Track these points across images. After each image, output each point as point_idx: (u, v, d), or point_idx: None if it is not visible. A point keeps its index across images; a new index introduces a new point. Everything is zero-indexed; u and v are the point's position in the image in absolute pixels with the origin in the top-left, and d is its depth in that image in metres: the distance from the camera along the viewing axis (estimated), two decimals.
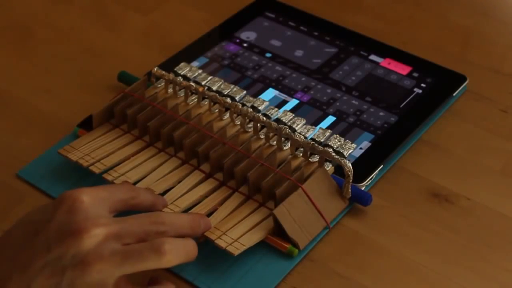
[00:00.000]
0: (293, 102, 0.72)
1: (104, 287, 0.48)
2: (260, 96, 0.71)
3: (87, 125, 0.69)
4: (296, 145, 0.64)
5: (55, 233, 0.49)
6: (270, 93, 0.73)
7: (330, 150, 0.62)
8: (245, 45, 0.79)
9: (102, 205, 0.52)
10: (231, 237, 0.58)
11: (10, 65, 0.79)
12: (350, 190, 0.62)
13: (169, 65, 0.75)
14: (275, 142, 0.65)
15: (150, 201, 0.57)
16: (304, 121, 0.66)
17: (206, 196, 0.62)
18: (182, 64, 0.73)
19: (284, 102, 0.72)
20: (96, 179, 0.64)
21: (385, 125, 0.70)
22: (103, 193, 0.53)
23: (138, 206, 0.56)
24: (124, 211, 0.55)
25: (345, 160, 0.62)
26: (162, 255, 0.50)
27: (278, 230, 0.59)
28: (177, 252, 0.51)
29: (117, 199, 0.53)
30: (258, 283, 0.58)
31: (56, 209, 0.51)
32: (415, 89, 0.73)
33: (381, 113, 0.71)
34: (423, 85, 0.74)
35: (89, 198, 0.51)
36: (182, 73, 0.71)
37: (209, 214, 0.60)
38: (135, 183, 0.62)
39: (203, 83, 0.70)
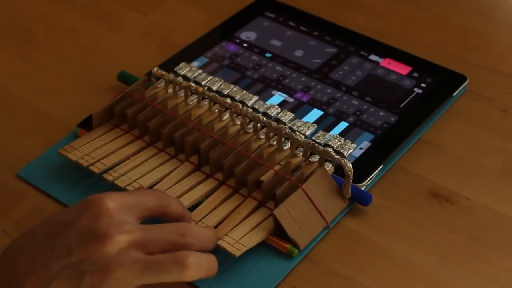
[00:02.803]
0: (293, 102, 0.72)
1: None
2: (267, 102, 0.70)
3: (87, 125, 0.69)
4: (296, 145, 0.64)
5: (77, 236, 0.49)
6: (278, 98, 0.73)
7: (330, 150, 0.62)
8: (245, 45, 0.79)
9: (128, 211, 0.51)
10: (233, 238, 0.58)
11: (10, 65, 0.79)
12: (350, 190, 0.62)
13: (169, 65, 0.75)
14: (275, 142, 0.65)
15: (180, 212, 0.55)
16: (303, 121, 0.66)
17: (206, 196, 0.62)
18: (182, 64, 0.73)
19: (285, 102, 0.72)
20: (96, 179, 0.64)
21: (385, 125, 0.70)
22: (131, 199, 0.52)
23: (167, 215, 0.54)
24: (152, 218, 0.54)
25: (345, 160, 0.62)
26: (184, 269, 0.49)
27: (278, 230, 0.59)
28: (200, 267, 0.50)
29: (145, 206, 0.52)
30: (258, 283, 0.58)
31: (80, 213, 0.50)
32: (415, 89, 0.73)
33: (381, 113, 0.71)
34: (423, 85, 0.74)
35: (114, 204, 0.50)
36: (182, 73, 0.71)
37: (209, 214, 0.60)
38: (135, 183, 0.63)
39: (203, 83, 0.70)
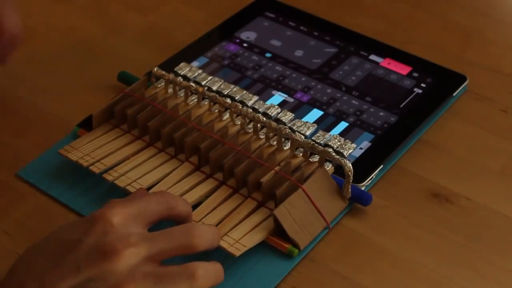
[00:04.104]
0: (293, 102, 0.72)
1: None
2: (267, 102, 0.70)
3: (87, 125, 0.69)
4: (296, 145, 0.64)
5: (85, 254, 0.48)
6: (278, 98, 0.73)
7: (330, 150, 0.62)
8: (245, 45, 0.79)
9: (134, 222, 0.51)
10: (232, 238, 0.58)
11: (10, 65, 0.79)
12: (350, 190, 0.62)
13: (169, 65, 0.75)
14: (275, 142, 0.65)
15: (186, 212, 0.55)
16: (303, 121, 0.66)
17: (206, 196, 0.62)
18: (182, 64, 0.73)
19: (285, 102, 0.72)
20: (96, 179, 0.64)
21: (385, 125, 0.70)
22: (135, 209, 0.51)
23: (173, 217, 0.54)
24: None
25: (345, 160, 0.62)
26: (194, 280, 0.49)
27: (278, 230, 0.59)
28: (209, 277, 0.50)
29: (151, 213, 0.52)
30: (258, 283, 0.58)
31: (87, 230, 0.50)
32: (415, 89, 0.73)
33: (381, 113, 0.71)
34: (423, 85, 0.74)
35: (119, 219, 0.50)
36: (182, 73, 0.71)
37: (208, 213, 0.60)
38: (135, 183, 0.63)
39: (203, 83, 0.70)
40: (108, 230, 0.49)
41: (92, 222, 0.50)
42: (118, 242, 0.49)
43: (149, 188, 0.62)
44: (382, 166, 0.66)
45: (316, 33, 0.80)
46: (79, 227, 0.51)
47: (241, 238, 0.58)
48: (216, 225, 0.59)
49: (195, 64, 0.77)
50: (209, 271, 0.51)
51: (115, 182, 0.63)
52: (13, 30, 0.67)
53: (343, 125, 0.70)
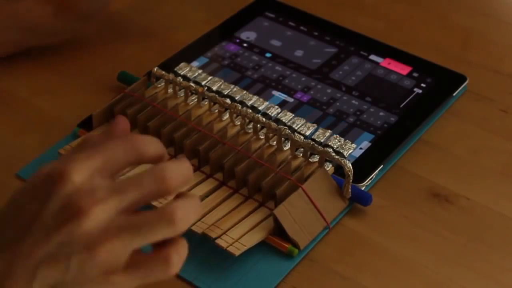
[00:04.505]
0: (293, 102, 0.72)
1: (118, 265, 0.45)
2: (267, 102, 0.70)
3: (87, 125, 0.69)
4: (296, 146, 0.64)
5: (52, 219, 0.45)
6: (278, 98, 0.73)
7: (330, 150, 0.62)
8: (245, 45, 0.79)
9: (99, 175, 0.46)
10: (232, 237, 0.58)
11: (10, 65, 0.79)
12: (350, 190, 0.62)
13: (169, 65, 0.75)
14: (275, 142, 0.65)
15: (159, 155, 0.49)
16: (303, 121, 0.66)
17: (206, 196, 0.62)
18: (182, 64, 0.73)
19: (285, 102, 0.72)
20: None
21: (385, 125, 0.70)
22: (100, 161, 0.46)
23: (145, 162, 0.49)
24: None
25: (345, 160, 0.62)
26: (174, 224, 0.46)
27: (278, 230, 0.59)
28: (188, 217, 0.47)
29: (117, 162, 0.47)
30: (258, 283, 0.58)
31: (48, 192, 0.45)
32: (415, 89, 0.73)
33: (381, 113, 0.71)
34: (423, 85, 0.74)
35: (83, 176, 0.45)
36: (182, 73, 0.71)
37: (208, 213, 0.60)
38: None
39: (203, 83, 0.70)
40: (69, 188, 0.45)
41: (53, 182, 0.45)
42: (83, 201, 0.45)
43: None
44: (382, 166, 0.66)
45: (316, 33, 0.80)
46: (40, 190, 0.46)
47: (240, 237, 0.58)
48: (216, 224, 0.59)
49: (195, 64, 0.77)
50: (188, 210, 0.47)
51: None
52: None
53: (343, 125, 0.70)
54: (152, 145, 0.48)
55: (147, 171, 0.47)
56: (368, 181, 0.64)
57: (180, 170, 0.48)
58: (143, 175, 0.47)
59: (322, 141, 0.64)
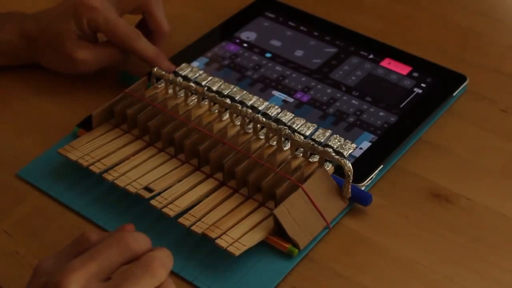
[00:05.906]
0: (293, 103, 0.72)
1: None
2: (267, 102, 0.70)
3: (87, 125, 0.69)
4: (296, 146, 0.64)
5: None
6: (278, 98, 0.73)
7: (330, 150, 0.62)
8: (245, 45, 0.79)
9: (95, 280, 0.48)
10: (232, 237, 0.58)
11: (10, 65, 0.79)
12: (350, 190, 0.62)
13: None
14: (275, 142, 0.65)
15: (147, 249, 0.51)
16: (303, 121, 0.66)
17: (206, 196, 0.62)
18: (183, 64, 0.73)
19: (285, 102, 0.72)
20: (96, 179, 0.64)
21: (385, 125, 0.70)
22: (93, 267, 0.48)
23: (137, 258, 0.51)
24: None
25: (345, 160, 0.62)
26: (155, 275, 0.48)
27: (278, 230, 0.59)
28: (166, 265, 0.49)
29: (113, 266, 0.49)
30: (258, 283, 0.58)
31: None
32: (415, 89, 0.73)
33: (381, 113, 0.71)
34: (423, 85, 0.74)
35: (78, 285, 0.47)
36: (183, 74, 0.71)
37: (208, 213, 0.60)
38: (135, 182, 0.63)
39: (203, 83, 0.70)
40: None
41: None
42: None
43: (150, 189, 0.62)
44: (382, 166, 0.66)
45: (316, 33, 0.80)
46: None
47: (240, 237, 0.58)
48: (216, 224, 0.59)
49: (195, 64, 0.77)
50: (163, 258, 0.49)
51: (115, 181, 0.63)
52: (164, 26, 0.76)
53: (343, 125, 0.70)
54: (142, 241, 0.50)
55: (135, 263, 0.49)
56: (368, 181, 0.64)
57: (162, 255, 0.49)
58: (132, 265, 0.49)
59: (322, 141, 0.64)
